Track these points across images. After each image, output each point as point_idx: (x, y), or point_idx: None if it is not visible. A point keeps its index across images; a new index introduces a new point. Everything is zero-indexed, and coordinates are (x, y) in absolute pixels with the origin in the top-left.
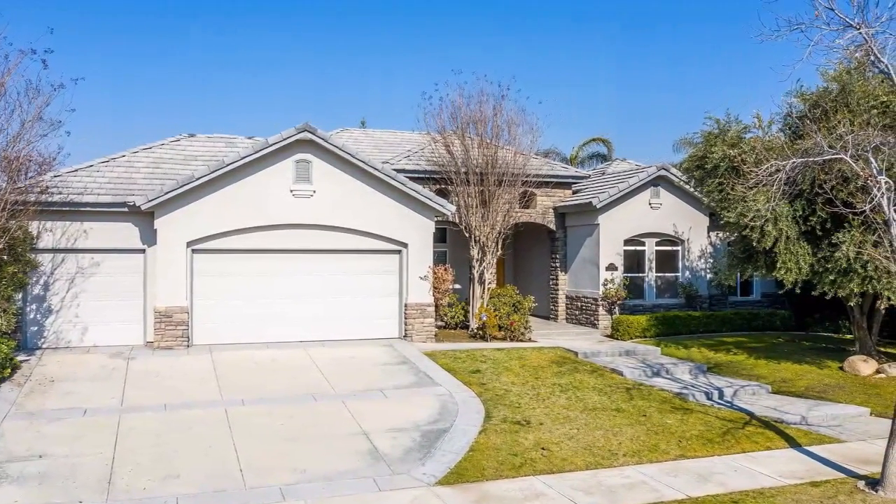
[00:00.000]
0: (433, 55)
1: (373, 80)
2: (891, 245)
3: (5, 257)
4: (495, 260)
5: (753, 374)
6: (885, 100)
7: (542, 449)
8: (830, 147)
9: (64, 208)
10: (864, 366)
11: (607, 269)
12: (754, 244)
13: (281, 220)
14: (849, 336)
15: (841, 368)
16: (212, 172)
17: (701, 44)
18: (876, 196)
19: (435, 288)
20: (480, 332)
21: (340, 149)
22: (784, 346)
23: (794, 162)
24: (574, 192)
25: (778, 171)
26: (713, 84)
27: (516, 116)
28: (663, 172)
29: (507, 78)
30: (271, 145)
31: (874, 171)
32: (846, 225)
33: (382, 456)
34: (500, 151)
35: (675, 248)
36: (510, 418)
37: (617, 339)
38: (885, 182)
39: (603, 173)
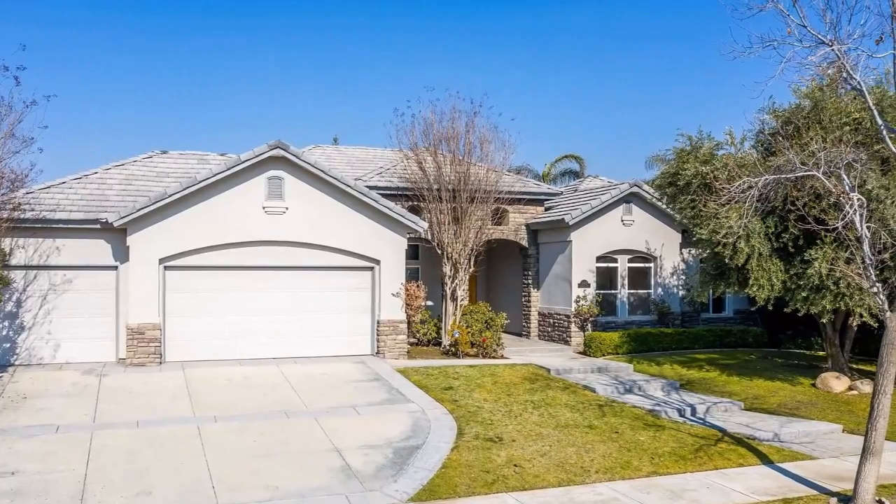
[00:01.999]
0: (406, 72)
1: (346, 97)
2: (863, 262)
3: None
4: (468, 277)
5: (726, 391)
6: (858, 116)
7: (515, 466)
8: (803, 164)
9: (36, 225)
10: (837, 382)
11: (580, 285)
12: (726, 261)
13: (253, 236)
14: (821, 353)
15: (813, 385)
16: (184, 189)
17: (674, 61)
18: (848, 213)
19: (407, 304)
20: (453, 349)
21: (313, 165)
22: (756, 362)
23: (766, 179)
24: (546, 209)
25: (750, 187)
26: (686, 101)
27: (488, 133)
28: (636, 189)
29: (480, 95)
30: (243, 162)
31: (846, 187)
32: (818, 242)
33: (355, 472)
34: (472, 168)
35: (647, 264)
36: (482, 435)
37: (589, 355)
38: (858, 199)
39: (575, 190)
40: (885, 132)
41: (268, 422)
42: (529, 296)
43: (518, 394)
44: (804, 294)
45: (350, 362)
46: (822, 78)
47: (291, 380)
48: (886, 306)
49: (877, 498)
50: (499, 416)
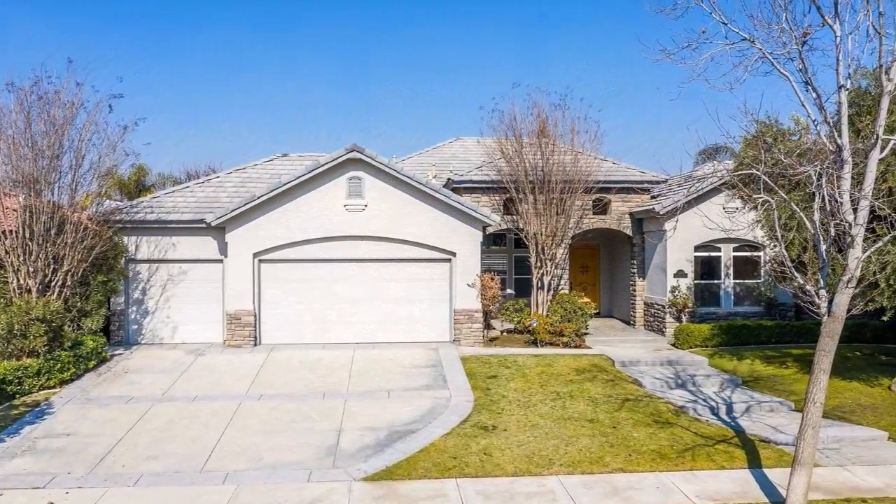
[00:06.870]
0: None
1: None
2: None
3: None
4: (554, 266)
5: (789, 390)
6: None
7: (485, 454)
8: None
9: (155, 225)
10: None
11: (675, 275)
12: None
13: (336, 232)
14: None
15: (889, 388)
16: (270, 191)
17: None
18: None
19: (482, 295)
20: (534, 339)
21: (387, 166)
22: (854, 360)
23: None
24: (653, 197)
25: None
26: None
27: (577, 124)
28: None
29: (564, 89)
30: (322, 165)
31: None
32: None
33: (338, 452)
34: (564, 157)
35: (756, 253)
36: (482, 423)
37: (678, 347)
38: None
39: (689, 177)
40: None
41: (303, 401)
42: (635, 285)
43: (553, 385)
44: None
45: (423, 348)
46: None
47: (355, 364)
48: None
49: None
50: (514, 406)
